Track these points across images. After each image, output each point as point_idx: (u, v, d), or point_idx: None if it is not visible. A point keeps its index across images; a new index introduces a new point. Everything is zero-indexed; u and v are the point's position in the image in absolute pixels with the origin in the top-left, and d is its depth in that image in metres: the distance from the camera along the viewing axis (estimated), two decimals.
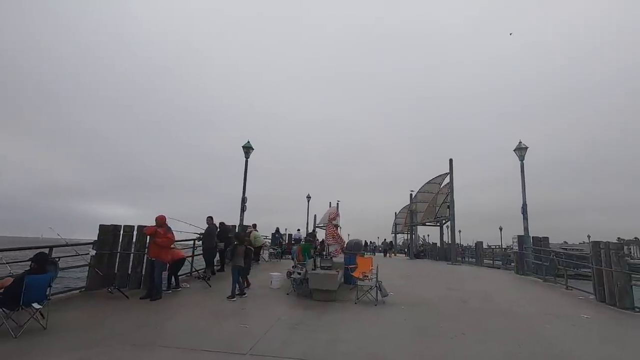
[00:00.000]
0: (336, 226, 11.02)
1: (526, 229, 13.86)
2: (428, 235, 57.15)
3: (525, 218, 13.93)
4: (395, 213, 46.02)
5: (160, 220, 7.59)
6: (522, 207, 14.04)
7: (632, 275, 8.48)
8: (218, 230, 10.99)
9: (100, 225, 8.29)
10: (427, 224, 29.48)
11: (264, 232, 23.82)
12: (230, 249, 7.90)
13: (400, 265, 18.10)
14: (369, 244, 44.59)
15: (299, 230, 32.43)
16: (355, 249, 9.91)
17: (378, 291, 7.69)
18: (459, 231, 63.96)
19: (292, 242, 25.92)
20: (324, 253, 10.71)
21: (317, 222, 40.70)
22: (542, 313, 7.09)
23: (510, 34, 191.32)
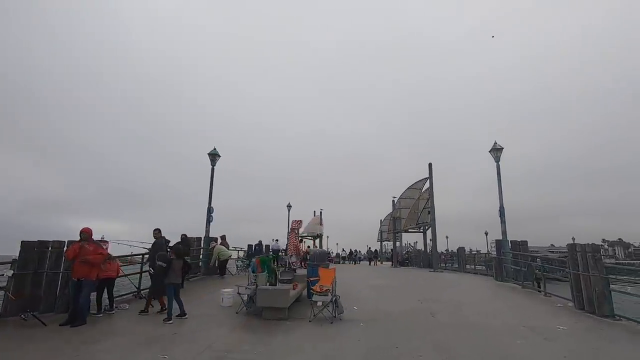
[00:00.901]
0: (300, 237, 10.32)
1: (504, 232, 13.28)
2: (416, 242, 56.72)
3: (502, 221, 13.36)
4: (381, 220, 45.41)
5: (86, 233, 6.69)
6: (500, 210, 13.48)
7: (618, 278, 7.93)
8: (171, 243, 10.09)
9: (23, 242, 7.31)
10: (409, 230, 28.85)
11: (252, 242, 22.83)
12: (158, 265, 6.95)
13: (378, 275, 17.33)
14: (354, 252, 43.82)
15: (276, 240, 31.43)
16: (319, 260, 9.11)
17: (335, 307, 6.90)
18: (447, 237, 63.81)
19: (270, 253, 25.02)
20: (288, 265, 9.90)
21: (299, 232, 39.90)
22: (516, 325, 6.40)
23: (493, 37, 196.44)
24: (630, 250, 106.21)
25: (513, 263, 12.31)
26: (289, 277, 8.90)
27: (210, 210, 14.79)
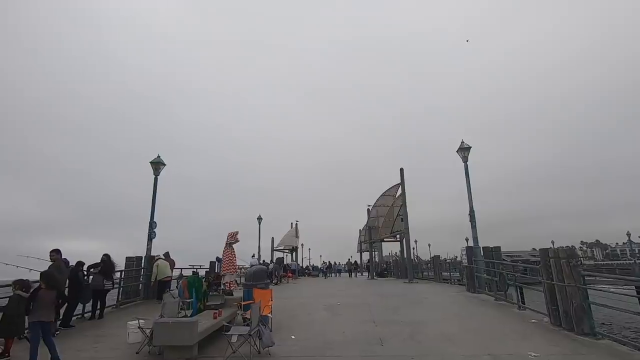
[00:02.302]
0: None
1: (475, 239, 12.18)
2: (397, 253, 55.58)
3: (473, 226, 12.27)
4: (360, 230, 44.14)
5: None
6: (470, 214, 12.41)
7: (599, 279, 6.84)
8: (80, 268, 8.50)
9: None
10: (385, 240, 27.69)
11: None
12: (15, 295, 5.33)
13: (347, 289, 15.95)
14: (332, 264, 42.24)
15: (253, 256, 29.81)
16: (256, 279, 7.67)
17: (257, 340, 5.49)
18: (429, 245, 63.04)
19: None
20: (221, 286, 8.40)
21: (275, 245, 38.13)
22: (478, 355, 5.13)
23: (467, 41, 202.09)
24: (607, 251, 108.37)
25: (486, 271, 11.18)
26: (218, 302, 7.46)
27: (152, 225, 13.17)
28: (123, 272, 12.12)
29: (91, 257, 9.18)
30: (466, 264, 12.07)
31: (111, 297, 10.88)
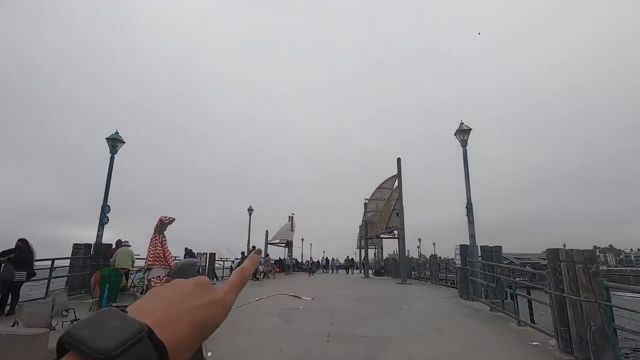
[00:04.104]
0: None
1: (472, 236, 10.37)
2: (394, 251, 53.74)
3: (470, 221, 10.45)
4: (360, 226, 42.40)
5: None
6: (467, 206, 10.58)
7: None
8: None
9: None
10: (381, 236, 25.89)
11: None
12: None
13: (329, 289, 14.28)
14: (330, 260, 40.66)
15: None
16: (180, 277, 6.04)
17: None
18: (433, 244, 60.94)
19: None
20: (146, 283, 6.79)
21: (270, 239, 36.64)
22: None
23: (479, 34, 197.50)
24: (621, 257, 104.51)
25: (483, 275, 9.38)
26: (128, 304, 5.80)
27: (104, 209, 11.66)
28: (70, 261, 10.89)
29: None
30: (460, 265, 10.23)
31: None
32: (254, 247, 28.45)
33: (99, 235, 11.46)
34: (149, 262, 6.63)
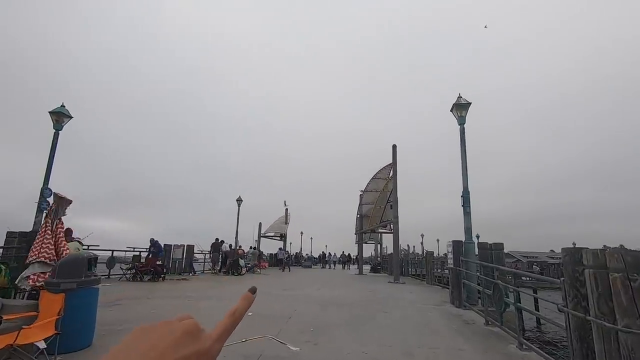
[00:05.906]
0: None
1: (468, 229, 8.64)
2: (408, 246, 52.13)
3: (466, 212, 8.72)
4: (357, 219, 40.73)
5: None
6: (462, 196, 8.84)
7: None
8: None
9: None
10: (377, 230, 24.21)
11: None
12: None
13: (307, 286, 12.70)
14: (327, 255, 39.17)
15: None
16: (61, 276, 4.48)
17: None
18: (437, 240, 59.02)
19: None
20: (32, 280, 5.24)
21: (264, 231, 35.21)
22: None
23: (485, 27, 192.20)
24: None
25: (480, 279, 7.67)
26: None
27: (44, 192, 10.16)
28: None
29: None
30: (452, 265, 8.51)
31: None
32: (251, 246, 26.89)
33: (37, 222, 9.97)
34: (32, 256, 5.06)
